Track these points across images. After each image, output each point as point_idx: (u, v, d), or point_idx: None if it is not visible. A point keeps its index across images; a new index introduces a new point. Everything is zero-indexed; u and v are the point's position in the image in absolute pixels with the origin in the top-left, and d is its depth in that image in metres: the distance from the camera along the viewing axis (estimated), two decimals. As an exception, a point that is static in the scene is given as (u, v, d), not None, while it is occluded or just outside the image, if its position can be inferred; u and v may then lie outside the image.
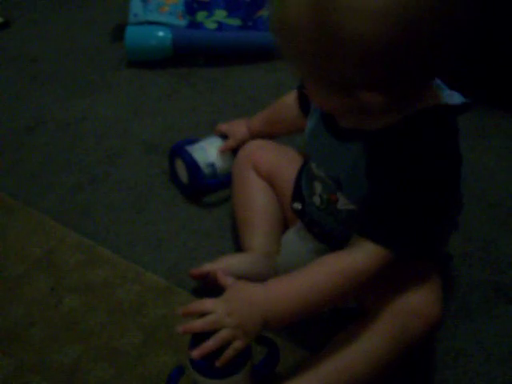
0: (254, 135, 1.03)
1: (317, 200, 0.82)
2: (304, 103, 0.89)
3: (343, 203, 0.78)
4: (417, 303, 0.74)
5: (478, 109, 1.21)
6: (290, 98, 0.95)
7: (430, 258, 0.80)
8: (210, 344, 0.70)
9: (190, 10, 1.46)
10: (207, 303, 0.72)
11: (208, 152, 1.07)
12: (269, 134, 1.02)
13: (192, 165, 1.04)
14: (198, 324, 0.71)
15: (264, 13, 1.45)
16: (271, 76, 1.37)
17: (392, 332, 0.73)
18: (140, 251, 1.01)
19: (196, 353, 0.70)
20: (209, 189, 1.07)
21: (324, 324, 0.87)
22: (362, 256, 0.70)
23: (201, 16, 1.45)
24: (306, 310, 0.72)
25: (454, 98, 0.72)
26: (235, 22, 1.44)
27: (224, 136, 1.08)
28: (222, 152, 1.06)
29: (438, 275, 0.79)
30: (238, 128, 1.06)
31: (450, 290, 0.91)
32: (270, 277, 0.88)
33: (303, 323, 0.85)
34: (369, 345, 0.73)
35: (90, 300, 0.93)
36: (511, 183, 1.10)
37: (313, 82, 0.69)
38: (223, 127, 1.09)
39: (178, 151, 1.07)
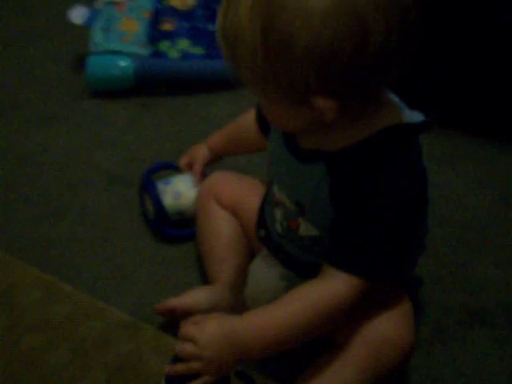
0: (215, 153, 1.02)
1: (278, 227, 0.80)
2: (263, 123, 0.87)
3: (305, 229, 0.76)
4: (389, 331, 0.72)
5: (444, 133, 1.23)
6: (250, 117, 0.92)
7: (400, 283, 0.78)
8: (180, 368, 0.69)
9: (153, 39, 1.44)
10: (186, 331, 0.70)
11: (181, 198, 1.02)
12: (229, 153, 1.01)
13: (159, 208, 1.00)
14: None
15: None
16: (235, 104, 1.36)
17: (365, 362, 0.71)
18: (103, 286, 0.97)
19: (168, 369, 0.69)
20: (172, 227, 1.03)
21: (295, 355, 0.84)
22: (336, 286, 0.68)
23: (164, 45, 1.44)
24: (284, 343, 0.70)
25: (414, 116, 0.71)
26: (198, 50, 1.43)
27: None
28: (193, 197, 1.01)
29: (409, 301, 0.77)
30: (199, 151, 1.04)
31: (423, 316, 0.90)
32: (238, 309, 0.86)
33: (273, 356, 0.81)
34: (342, 377, 0.71)
35: (51, 338, 0.88)
36: (480, 207, 1.09)
37: (265, 96, 0.66)
38: (185, 160, 1.06)
39: (147, 188, 1.03)
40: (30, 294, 0.94)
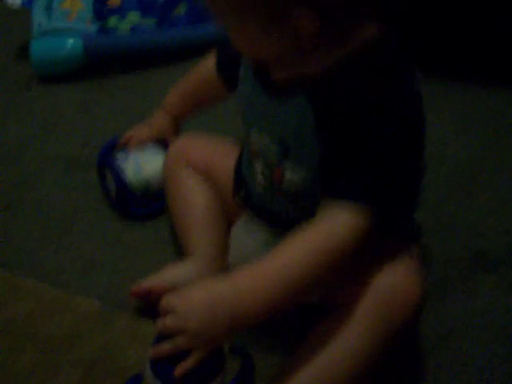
0: (173, 114, 0.94)
1: (260, 179, 0.71)
2: (226, 69, 0.80)
3: (290, 178, 0.67)
4: (396, 284, 0.64)
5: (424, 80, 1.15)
6: (206, 66, 0.85)
7: (400, 230, 0.70)
8: (165, 347, 0.58)
9: (100, 15, 1.34)
10: (168, 299, 0.60)
11: (143, 168, 0.92)
12: (191, 109, 0.93)
13: (120, 183, 0.91)
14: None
15: (181, 10, 1.35)
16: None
17: (373, 322, 0.62)
18: (68, 277, 0.87)
19: (152, 352, 0.59)
20: (137, 204, 0.93)
21: (289, 325, 0.75)
22: (336, 223, 0.59)
23: (112, 21, 1.34)
24: (283, 300, 0.59)
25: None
26: (150, 21, 1.33)
27: (162, 144, 0.95)
28: (161, 167, 0.91)
29: (415, 250, 0.69)
30: (154, 117, 0.96)
31: (427, 267, 0.81)
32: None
33: (268, 328, 0.73)
34: (349, 342, 0.62)
35: (14, 340, 0.78)
36: (468, 148, 1.02)
37: (239, 18, 0.59)
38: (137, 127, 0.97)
39: (107, 163, 0.93)
40: (-14, 294, 0.84)
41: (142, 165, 0.92)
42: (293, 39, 0.57)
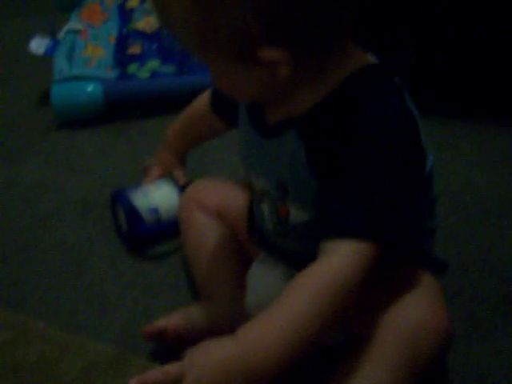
0: (175, 150, 0.96)
1: (269, 223, 0.70)
2: (218, 105, 0.80)
3: (295, 214, 0.65)
4: (420, 317, 0.60)
5: (442, 119, 1.13)
6: (202, 103, 0.87)
7: (420, 261, 0.67)
8: None
9: (121, 63, 1.35)
10: (171, 370, 0.55)
11: (150, 196, 0.93)
12: (190, 143, 0.95)
13: (129, 210, 0.91)
14: (157, 375, 0.54)
15: (200, 57, 1.36)
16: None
17: (398, 358, 0.58)
18: (82, 319, 0.84)
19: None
20: (150, 236, 0.92)
21: (313, 370, 0.71)
22: (339, 258, 0.56)
23: (132, 68, 1.35)
24: (296, 350, 0.55)
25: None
26: (169, 69, 1.34)
27: (173, 179, 0.95)
28: (169, 196, 0.93)
29: (438, 283, 0.65)
30: (159, 155, 0.98)
31: (455, 309, 0.77)
32: (239, 323, 0.73)
33: (289, 375, 0.69)
34: (376, 380, 0.58)
35: (23, 383, 0.75)
36: (492, 187, 0.99)
37: (211, 60, 0.59)
38: (146, 163, 1.00)
39: (116, 196, 0.93)
40: (-3, 336, 0.81)
41: (149, 193, 0.93)
42: (271, 75, 0.56)
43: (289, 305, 0.56)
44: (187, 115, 0.92)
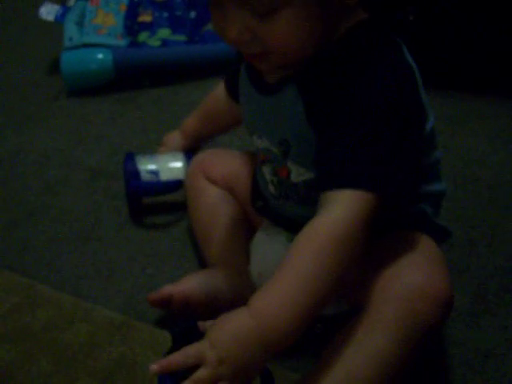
0: (191, 137, 0.95)
1: (271, 187, 0.70)
2: (232, 88, 0.79)
3: (296, 174, 0.65)
4: (419, 281, 0.59)
5: (452, 94, 1.12)
6: (219, 90, 0.86)
7: (422, 226, 0.66)
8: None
9: (131, 31, 1.34)
10: (191, 352, 0.55)
11: (155, 160, 0.94)
12: (206, 134, 0.94)
13: (129, 167, 0.91)
14: (177, 358, 0.55)
15: (211, 26, 1.34)
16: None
17: (397, 323, 0.58)
18: (89, 285, 0.85)
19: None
20: (142, 193, 0.93)
21: (318, 342, 0.71)
22: (337, 210, 0.56)
23: (143, 36, 1.34)
24: (311, 310, 0.56)
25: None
26: (180, 38, 1.33)
27: (188, 152, 0.95)
28: (173, 163, 0.94)
29: (438, 248, 0.64)
30: (170, 137, 0.98)
31: (462, 285, 0.77)
32: (243, 290, 0.74)
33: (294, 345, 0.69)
34: (372, 346, 0.58)
35: (30, 348, 0.75)
36: (503, 164, 0.98)
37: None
38: (160, 150, 0.99)
39: (126, 156, 0.94)
40: (5, 300, 0.82)
41: (155, 158, 0.94)
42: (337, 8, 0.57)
43: (293, 267, 0.56)
44: (206, 104, 0.92)
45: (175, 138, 0.98)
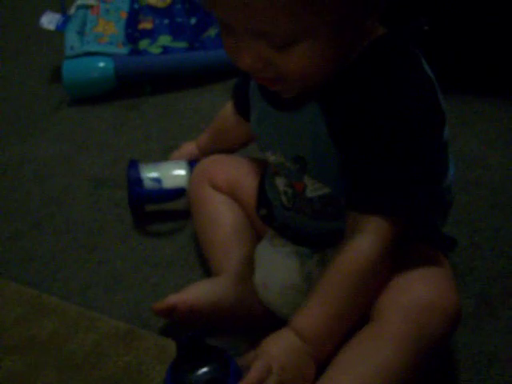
0: (204, 152, 0.94)
1: (283, 199, 0.70)
2: (240, 105, 0.79)
3: (312, 189, 0.66)
4: (428, 295, 0.60)
5: (456, 96, 1.12)
6: (228, 108, 0.87)
7: (430, 238, 0.66)
8: None
9: (132, 39, 1.34)
10: (259, 369, 0.58)
11: (158, 168, 0.94)
12: (217, 149, 0.92)
13: (131, 174, 0.92)
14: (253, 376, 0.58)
15: (211, 32, 1.35)
16: (225, 96, 1.24)
17: (405, 336, 0.58)
18: (94, 295, 0.85)
19: None
20: (147, 199, 0.93)
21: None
22: (367, 240, 0.59)
23: (144, 44, 1.34)
24: (348, 326, 0.61)
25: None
26: (181, 44, 1.33)
27: (192, 161, 0.96)
28: (176, 170, 0.94)
29: (446, 260, 0.65)
30: (186, 145, 0.99)
31: (465, 288, 0.77)
32: (246, 300, 0.74)
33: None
34: (380, 358, 0.58)
35: (36, 358, 0.76)
36: (508, 166, 0.98)
37: (313, 38, 0.55)
38: (174, 155, 1.00)
39: (129, 163, 0.95)
40: (10, 311, 0.82)
41: (159, 166, 0.94)
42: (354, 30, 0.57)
43: (325, 293, 0.61)
44: (216, 124, 0.92)
45: (190, 147, 0.98)
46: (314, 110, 0.61)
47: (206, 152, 0.94)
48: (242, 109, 0.78)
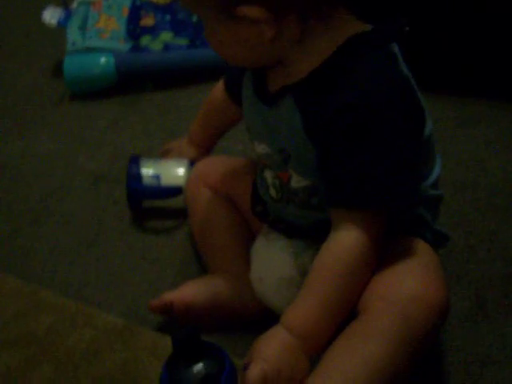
0: (197, 143, 0.95)
1: (272, 191, 0.72)
2: (232, 89, 0.80)
3: (296, 180, 0.67)
4: (415, 288, 0.60)
5: (453, 99, 1.12)
6: (216, 91, 0.87)
7: (418, 231, 0.67)
8: None
9: (133, 35, 1.35)
10: (254, 374, 0.58)
11: (159, 164, 0.95)
12: (211, 136, 0.94)
13: (131, 169, 0.92)
14: None
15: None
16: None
17: (392, 330, 0.59)
18: (92, 291, 0.86)
19: None
20: (144, 195, 0.94)
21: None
22: (349, 235, 0.60)
23: (145, 40, 1.34)
24: (334, 322, 0.62)
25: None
26: (182, 41, 1.33)
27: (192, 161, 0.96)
28: (176, 169, 0.94)
29: (435, 254, 0.66)
30: (179, 142, 0.99)
31: (461, 290, 0.78)
32: (242, 297, 0.75)
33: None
34: (366, 352, 0.58)
35: (33, 354, 0.76)
36: (503, 169, 0.98)
37: (202, 14, 0.63)
38: (166, 146, 1.01)
39: (131, 158, 0.95)
40: (9, 306, 0.83)
41: (158, 163, 0.95)
42: (256, 36, 0.59)
43: (316, 290, 0.62)
44: (205, 106, 0.92)
45: (183, 147, 0.97)
46: (290, 104, 0.63)
47: (203, 146, 0.95)
48: (233, 93, 0.79)
